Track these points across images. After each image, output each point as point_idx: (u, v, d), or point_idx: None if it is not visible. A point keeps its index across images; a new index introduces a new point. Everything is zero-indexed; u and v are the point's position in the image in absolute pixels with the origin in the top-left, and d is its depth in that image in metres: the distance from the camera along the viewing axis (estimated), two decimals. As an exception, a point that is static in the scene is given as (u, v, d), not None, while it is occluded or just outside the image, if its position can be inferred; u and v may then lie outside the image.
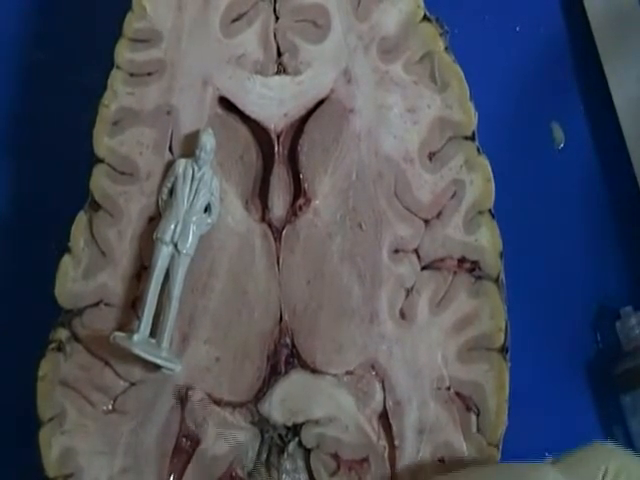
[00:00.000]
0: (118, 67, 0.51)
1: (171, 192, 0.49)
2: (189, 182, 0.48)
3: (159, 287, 0.48)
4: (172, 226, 0.48)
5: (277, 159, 0.50)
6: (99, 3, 0.63)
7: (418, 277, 0.49)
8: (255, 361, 0.49)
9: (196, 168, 0.48)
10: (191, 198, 0.48)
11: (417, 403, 0.48)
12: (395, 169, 0.50)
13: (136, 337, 0.47)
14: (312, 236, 0.49)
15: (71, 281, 0.49)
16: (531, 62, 0.67)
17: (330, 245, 0.49)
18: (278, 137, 0.50)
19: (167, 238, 0.48)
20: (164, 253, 0.48)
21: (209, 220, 0.49)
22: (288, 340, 0.49)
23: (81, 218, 0.50)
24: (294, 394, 0.48)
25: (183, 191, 0.48)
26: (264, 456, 0.48)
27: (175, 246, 0.48)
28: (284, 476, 0.48)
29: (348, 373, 0.49)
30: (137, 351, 0.46)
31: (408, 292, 0.49)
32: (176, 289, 0.48)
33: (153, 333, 0.48)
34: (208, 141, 0.48)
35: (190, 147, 0.49)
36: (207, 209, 0.49)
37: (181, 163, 0.49)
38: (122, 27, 0.51)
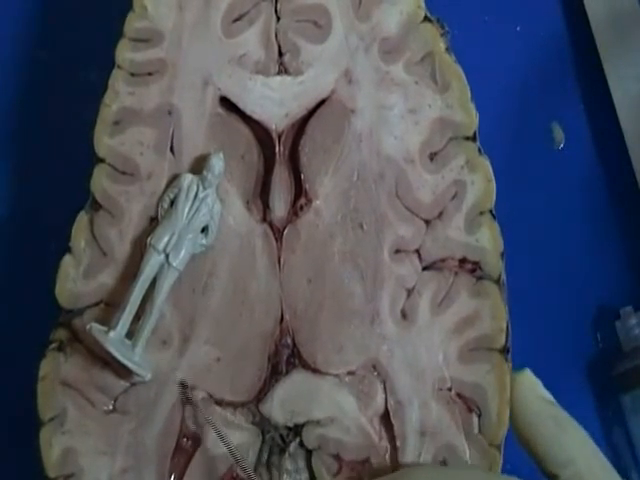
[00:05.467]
0: (119, 67, 0.50)
1: (172, 203, 0.49)
2: (191, 199, 0.48)
3: (143, 292, 0.48)
4: (167, 237, 0.48)
5: (278, 159, 0.50)
6: (99, 3, 0.63)
7: (419, 277, 0.49)
8: (256, 361, 0.49)
9: (201, 188, 0.48)
10: (190, 215, 0.48)
11: (418, 404, 0.48)
12: (396, 169, 0.50)
13: (112, 334, 0.47)
14: (313, 236, 0.49)
15: (72, 281, 0.49)
16: (531, 62, 0.68)
17: (331, 245, 0.49)
18: (279, 137, 0.50)
19: (160, 247, 0.48)
20: (154, 260, 0.48)
21: (204, 241, 0.49)
22: (289, 340, 0.49)
23: (82, 218, 0.50)
24: (295, 394, 0.48)
25: (184, 206, 0.48)
26: (265, 456, 0.48)
27: (167, 257, 0.48)
28: (285, 476, 0.48)
29: (349, 373, 0.48)
30: (110, 348, 0.46)
31: (409, 292, 0.49)
32: (159, 299, 0.47)
33: (130, 335, 0.47)
34: (217, 164, 0.48)
35: (199, 165, 0.49)
36: (204, 230, 0.49)
37: (187, 178, 0.49)
38: (123, 27, 0.51)
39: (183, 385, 0.48)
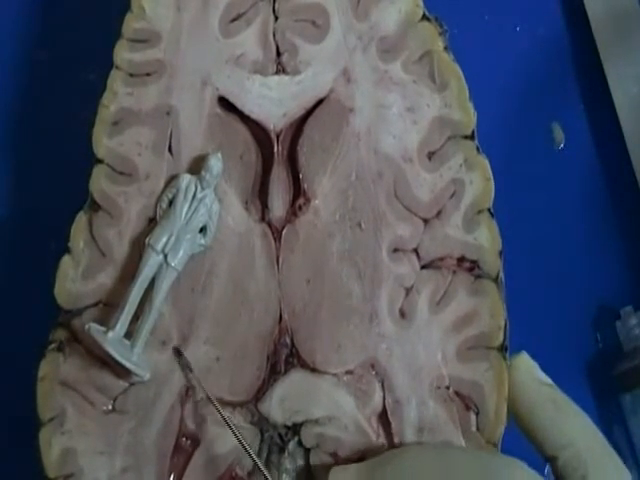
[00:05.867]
0: (117, 67, 0.51)
1: (171, 203, 0.49)
2: (190, 199, 0.48)
3: (142, 292, 0.48)
4: (165, 237, 0.48)
5: (277, 159, 0.50)
6: (99, 3, 0.63)
7: (418, 276, 0.49)
8: (255, 361, 0.49)
9: (199, 188, 0.48)
10: (189, 215, 0.48)
11: (416, 402, 0.48)
12: (394, 168, 0.50)
13: (111, 334, 0.47)
14: (312, 236, 0.49)
15: (71, 281, 0.49)
16: (531, 62, 0.68)
17: (330, 245, 0.49)
18: (277, 137, 0.50)
19: (159, 247, 0.48)
20: (153, 261, 0.48)
21: (203, 242, 0.49)
22: (288, 340, 0.49)
23: (81, 218, 0.50)
24: (294, 394, 0.48)
25: (182, 206, 0.48)
26: (264, 455, 0.48)
27: (165, 257, 0.48)
28: (284, 475, 0.48)
29: (348, 372, 0.48)
30: (109, 348, 0.46)
31: (408, 291, 0.49)
32: (158, 299, 0.48)
33: (129, 336, 0.47)
34: (216, 165, 0.48)
35: (198, 165, 0.49)
36: (203, 230, 0.49)
37: (185, 178, 0.49)
38: (121, 27, 0.51)
39: (178, 351, 0.48)
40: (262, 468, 0.46)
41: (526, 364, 0.48)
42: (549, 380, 0.48)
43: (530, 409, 0.47)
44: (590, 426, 0.46)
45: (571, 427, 0.46)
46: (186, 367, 0.48)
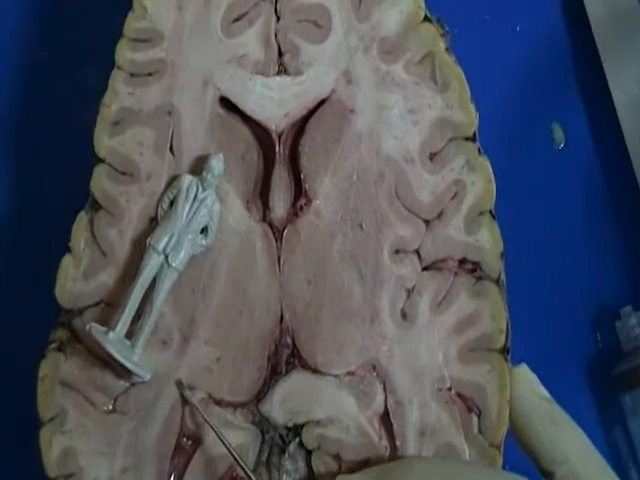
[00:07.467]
0: (119, 67, 0.50)
1: (172, 203, 0.49)
2: (191, 200, 0.48)
3: (143, 292, 0.48)
4: (167, 237, 0.48)
5: (278, 159, 0.50)
6: (99, 3, 0.63)
7: (419, 278, 0.49)
8: (256, 361, 0.49)
9: (200, 188, 0.48)
10: (190, 216, 0.48)
11: (418, 404, 0.48)
12: (396, 170, 0.50)
13: (112, 334, 0.47)
14: (313, 236, 0.49)
15: (71, 281, 0.49)
16: (531, 62, 0.68)
17: (331, 245, 0.49)
18: (279, 137, 0.50)
19: (160, 247, 0.48)
20: (154, 261, 0.48)
21: (204, 242, 0.49)
22: (289, 340, 0.49)
23: (82, 218, 0.50)
24: (295, 394, 0.48)
25: (183, 207, 0.48)
26: (265, 456, 0.48)
27: (166, 257, 0.48)
28: (285, 476, 0.48)
29: (349, 374, 0.48)
30: (109, 349, 0.46)
31: (409, 293, 0.49)
32: (159, 299, 0.48)
33: (129, 336, 0.47)
34: (217, 166, 0.48)
35: (199, 165, 0.49)
36: (204, 230, 0.49)
37: (186, 178, 0.49)
38: (122, 27, 0.51)
39: (180, 384, 0.48)
40: (250, 475, 0.46)
41: (525, 377, 0.48)
42: (547, 394, 0.48)
43: (528, 423, 0.47)
44: (587, 442, 0.47)
45: (568, 443, 0.46)
46: (188, 401, 0.48)
